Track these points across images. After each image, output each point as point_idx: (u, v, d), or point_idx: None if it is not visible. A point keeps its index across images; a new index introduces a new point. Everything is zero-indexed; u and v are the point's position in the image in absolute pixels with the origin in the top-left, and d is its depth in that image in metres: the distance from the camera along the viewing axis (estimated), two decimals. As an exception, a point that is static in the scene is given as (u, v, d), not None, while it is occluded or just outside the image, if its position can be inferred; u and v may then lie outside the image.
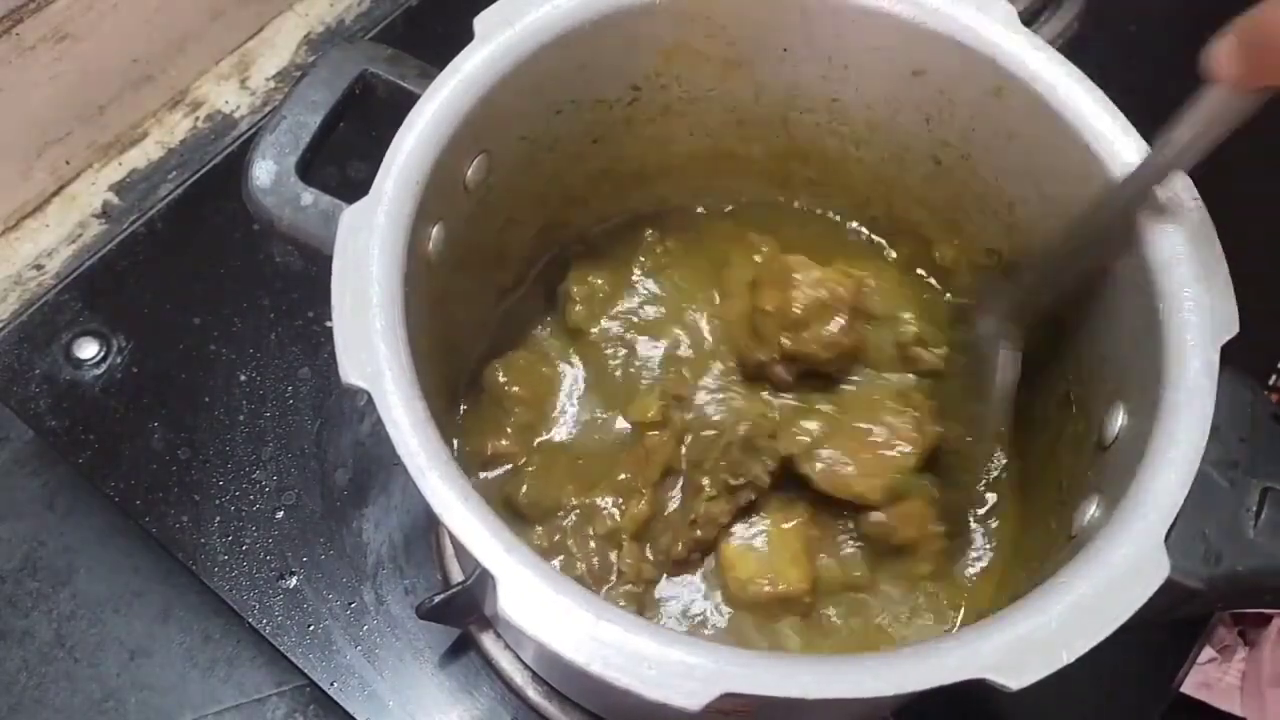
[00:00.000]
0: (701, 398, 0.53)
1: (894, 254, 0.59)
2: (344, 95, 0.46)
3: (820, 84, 0.52)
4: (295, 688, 0.58)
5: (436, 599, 0.48)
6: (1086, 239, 0.45)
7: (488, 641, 0.56)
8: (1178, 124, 0.40)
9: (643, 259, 0.57)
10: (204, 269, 0.66)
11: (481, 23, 0.44)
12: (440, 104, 0.43)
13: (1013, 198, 0.51)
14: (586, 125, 0.51)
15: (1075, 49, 0.58)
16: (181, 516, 0.59)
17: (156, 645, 0.59)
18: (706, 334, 0.55)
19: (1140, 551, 0.36)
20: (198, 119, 0.72)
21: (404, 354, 0.38)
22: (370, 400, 0.37)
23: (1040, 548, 0.47)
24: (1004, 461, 0.54)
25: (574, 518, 0.50)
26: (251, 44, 0.75)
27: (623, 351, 0.55)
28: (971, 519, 0.53)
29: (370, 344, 0.38)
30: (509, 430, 0.52)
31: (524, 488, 0.51)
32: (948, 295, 0.57)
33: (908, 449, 0.50)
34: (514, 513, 0.51)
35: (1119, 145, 0.44)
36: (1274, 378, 0.70)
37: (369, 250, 0.40)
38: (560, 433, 0.53)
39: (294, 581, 0.58)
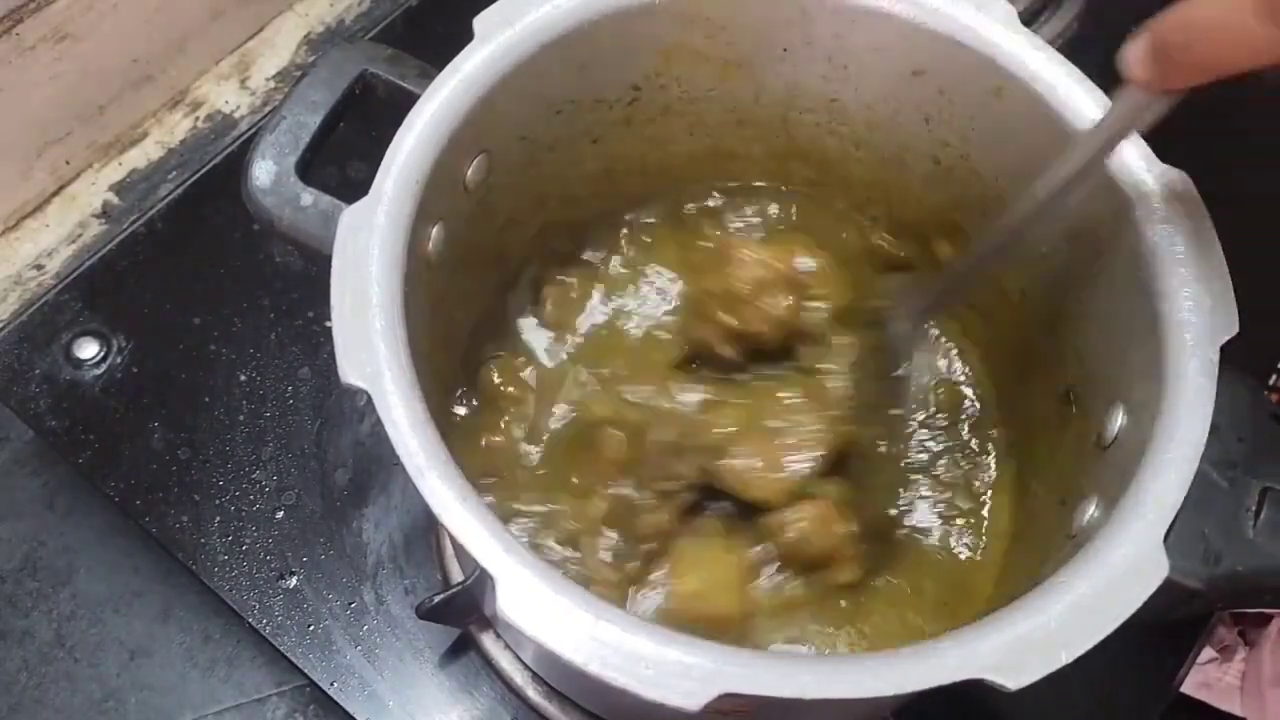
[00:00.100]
0: (645, 393, 0.53)
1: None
2: (344, 95, 0.46)
3: (820, 84, 0.52)
4: (295, 688, 0.58)
5: (436, 599, 0.48)
6: (1017, 234, 0.45)
7: (488, 641, 0.56)
8: (1098, 125, 0.40)
9: (615, 258, 0.57)
10: (204, 269, 0.66)
11: (481, 23, 0.44)
12: (440, 104, 0.43)
13: (1013, 197, 0.51)
14: (586, 125, 0.51)
15: (1075, 49, 0.58)
16: (181, 516, 0.59)
17: (156, 645, 0.59)
18: (661, 329, 0.55)
19: (1140, 551, 0.36)
20: (198, 119, 0.73)
21: (404, 354, 0.38)
22: (370, 400, 0.37)
23: (1040, 548, 0.47)
24: (993, 463, 0.54)
25: (534, 523, 0.50)
26: (251, 44, 0.75)
27: (587, 349, 0.55)
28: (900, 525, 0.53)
29: (370, 344, 0.38)
30: (503, 428, 0.52)
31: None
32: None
33: (815, 450, 0.50)
34: None
35: (1119, 145, 0.44)
36: (1274, 378, 0.70)
37: (369, 250, 0.40)
38: (527, 442, 0.53)
39: (294, 581, 0.58)
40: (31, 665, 0.58)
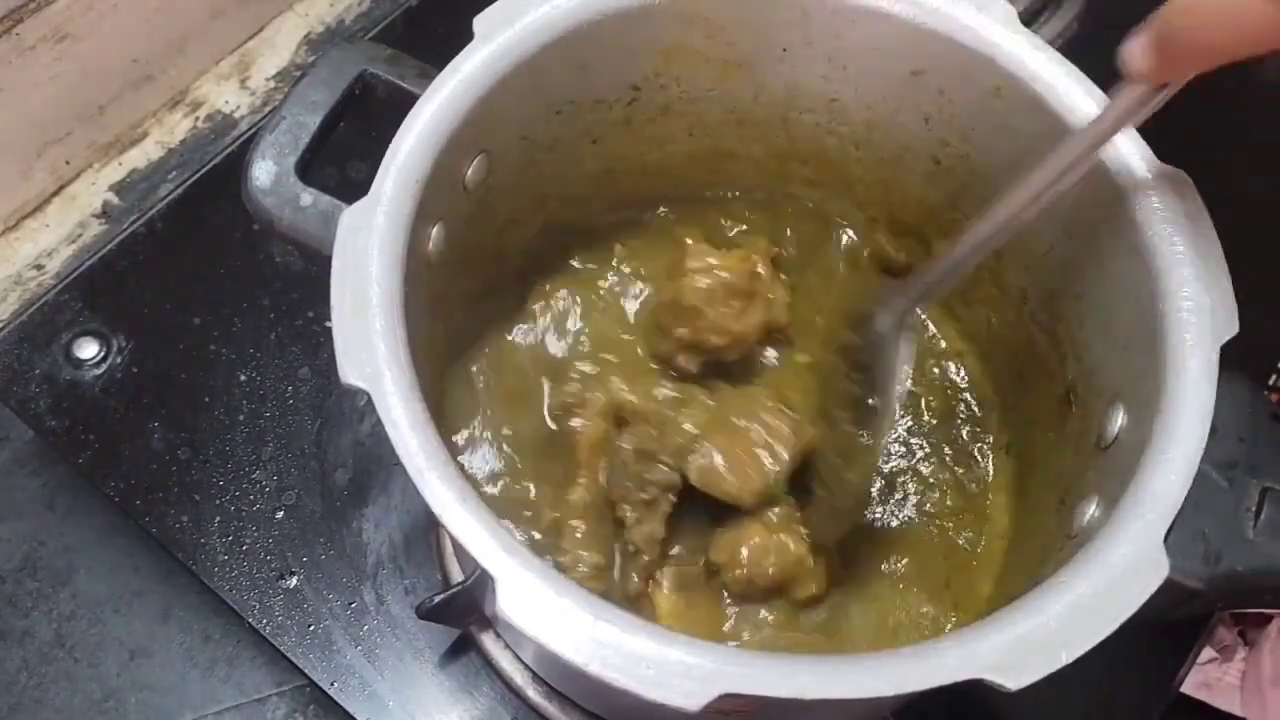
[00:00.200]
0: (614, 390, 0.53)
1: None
2: (344, 95, 0.46)
3: (820, 84, 0.52)
4: (295, 688, 0.58)
5: (436, 599, 0.48)
6: (1007, 226, 0.44)
7: (488, 641, 0.56)
8: (1095, 120, 0.40)
9: (607, 270, 0.57)
10: (204, 269, 0.66)
11: (481, 23, 0.44)
12: (440, 104, 0.43)
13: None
14: (586, 125, 0.51)
15: (1075, 49, 0.58)
16: (181, 516, 0.59)
17: (156, 645, 0.59)
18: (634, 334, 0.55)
19: (1140, 551, 0.36)
20: (198, 119, 0.73)
21: (404, 354, 0.38)
22: (370, 400, 0.37)
23: (1040, 548, 0.47)
24: (991, 463, 0.54)
25: (521, 517, 0.51)
26: (251, 44, 0.75)
27: (575, 358, 0.55)
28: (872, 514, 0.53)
29: (370, 344, 0.38)
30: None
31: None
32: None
33: (782, 451, 0.49)
34: None
35: (1118, 145, 0.44)
36: (1274, 378, 0.70)
37: (369, 250, 0.40)
38: (520, 438, 0.53)
39: (294, 581, 0.58)
40: (31, 665, 0.58)
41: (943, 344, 0.58)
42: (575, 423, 0.51)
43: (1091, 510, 0.42)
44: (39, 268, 0.67)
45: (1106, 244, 0.45)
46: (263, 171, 0.44)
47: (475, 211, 0.48)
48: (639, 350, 0.54)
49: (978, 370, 0.57)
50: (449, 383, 0.53)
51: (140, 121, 0.72)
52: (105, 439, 0.61)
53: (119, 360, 0.63)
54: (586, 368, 0.54)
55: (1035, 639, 0.34)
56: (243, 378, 0.63)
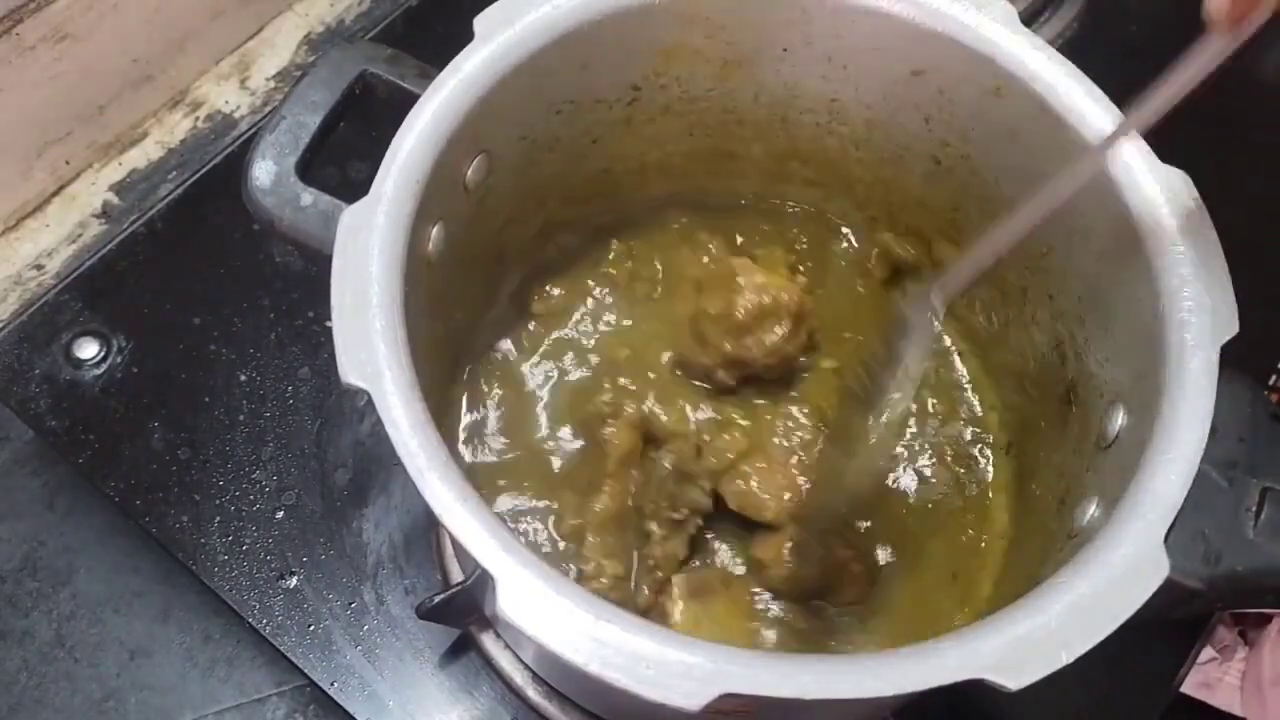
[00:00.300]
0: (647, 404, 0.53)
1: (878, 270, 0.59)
2: (344, 95, 0.46)
3: (820, 84, 0.52)
4: (295, 688, 0.57)
5: (436, 599, 0.48)
6: (1054, 205, 0.44)
7: (488, 641, 0.56)
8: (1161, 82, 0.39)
9: (606, 270, 0.57)
10: (204, 269, 0.66)
11: (481, 23, 0.44)
12: (440, 104, 0.43)
13: (1013, 198, 0.51)
14: (586, 125, 0.51)
15: (1075, 49, 0.58)
16: (181, 516, 0.59)
17: (156, 645, 0.59)
18: (655, 340, 0.55)
19: (1140, 551, 0.36)
20: (198, 119, 0.73)
21: (404, 354, 0.38)
22: (370, 400, 0.37)
23: (1040, 548, 0.47)
24: (991, 464, 0.54)
25: (538, 520, 0.51)
26: (251, 44, 0.75)
27: (577, 360, 0.55)
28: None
29: (370, 344, 0.38)
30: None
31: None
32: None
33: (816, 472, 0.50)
34: None
35: (1118, 145, 0.44)
36: (1274, 378, 0.70)
37: (369, 250, 0.40)
38: (526, 439, 0.53)
39: (294, 581, 0.58)
40: (31, 665, 0.58)
41: (944, 344, 0.58)
42: (606, 432, 0.51)
43: (1092, 510, 0.42)
44: (39, 268, 0.67)
45: (1106, 244, 0.45)
46: (263, 171, 0.44)
47: (475, 211, 0.48)
48: (660, 358, 0.54)
49: (978, 370, 0.57)
50: (454, 383, 0.53)
51: (140, 121, 0.72)
52: (105, 439, 0.61)
53: (119, 360, 0.63)
54: (601, 372, 0.54)
55: (1035, 639, 0.34)
56: (243, 378, 0.63)
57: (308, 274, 0.66)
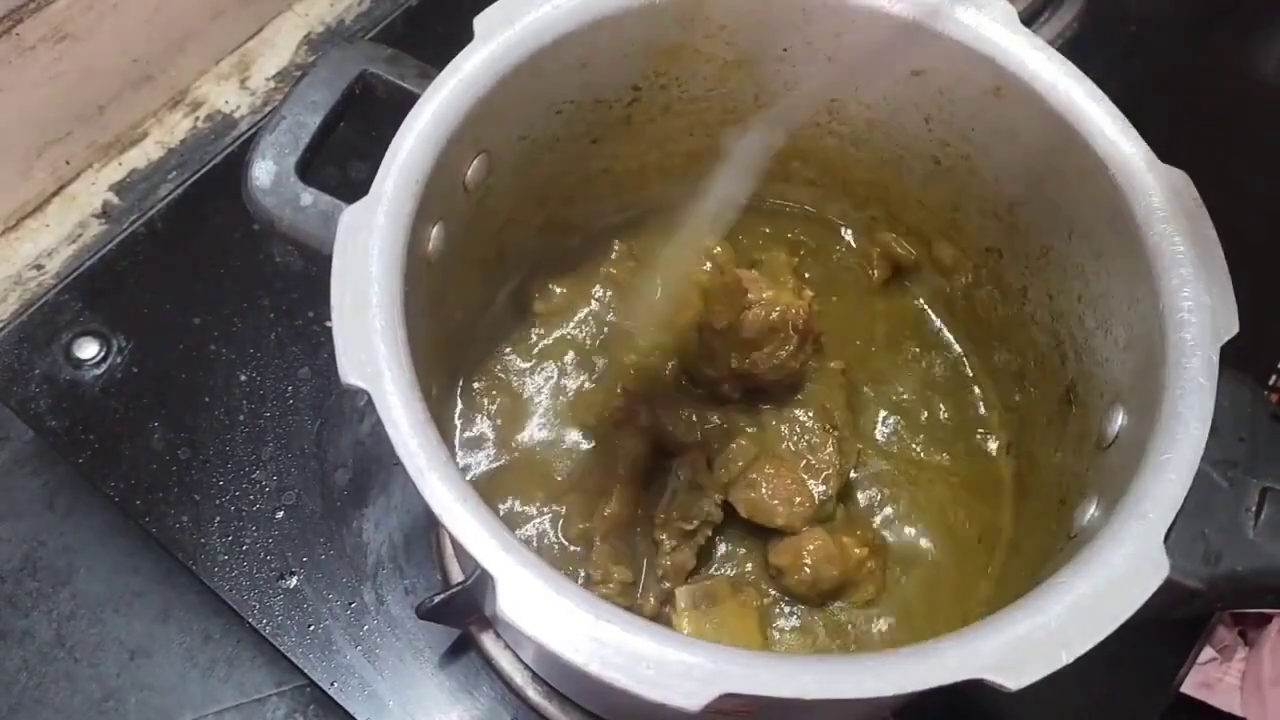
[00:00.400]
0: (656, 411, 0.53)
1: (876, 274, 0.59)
2: (344, 95, 0.46)
3: (820, 84, 0.52)
4: (295, 688, 0.57)
5: (436, 599, 0.48)
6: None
7: (488, 641, 0.56)
8: None
9: (608, 271, 0.57)
10: (204, 269, 0.66)
11: (481, 23, 0.44)
12: (440, 104, 0.43)
13: (1013, 198, 0.51)
14: (586, 125, 0.51)
15: (1075, 49, 0.58)
16: (181, 516, 0.59)
17: (156, 645, 0.59)
18: (660, 345, 0.55)
19: (1140, 551, 0.36)
20: (198, 119, 0.73)
21: (404, 354, 0.38)
22: (370, 400, 0.37)
23: (1040, 548, 0.47)
24: (993, 463, 0.54)
25: (546, 524, 0.51)
26: (251, 44, 0.75)
27: (581, 362, 0.55)
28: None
29: (370, 344, 0.38)
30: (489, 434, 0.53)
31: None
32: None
33: (831, 475, 0.50)
34: None
35: (1119, 145, 0.44)
36: (1274, 378, 0.70)
37: (369, 250, 0.40)
38: (529, 441, 0.53)
39: (294, 581, 0.58)
40: (31, 665, 0.58)
41: (944, 344, 0.58)
42: (617, 437, 0.51)
43: (1091, 510, 0.42)
44: (39, 268, 0.67)
45: (1106, 244, 0.45)
46: (263, 171, 0.44)
47: (475, 211, 0.48)
48: (665, 365, 0.54)
49: (978, 370, 0.57)
50: (454, 384, 0.53)
51: (140, 121, 0.72)
52: (105, 439, 0.61)
53: (119, 360, 0.63)
54: (605, 376, 0.54)
55: (1035, 639, 0.34)
56: (243, 378, 0.63)
57: (308, 274, 0.66)
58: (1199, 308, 0.40)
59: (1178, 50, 0.71)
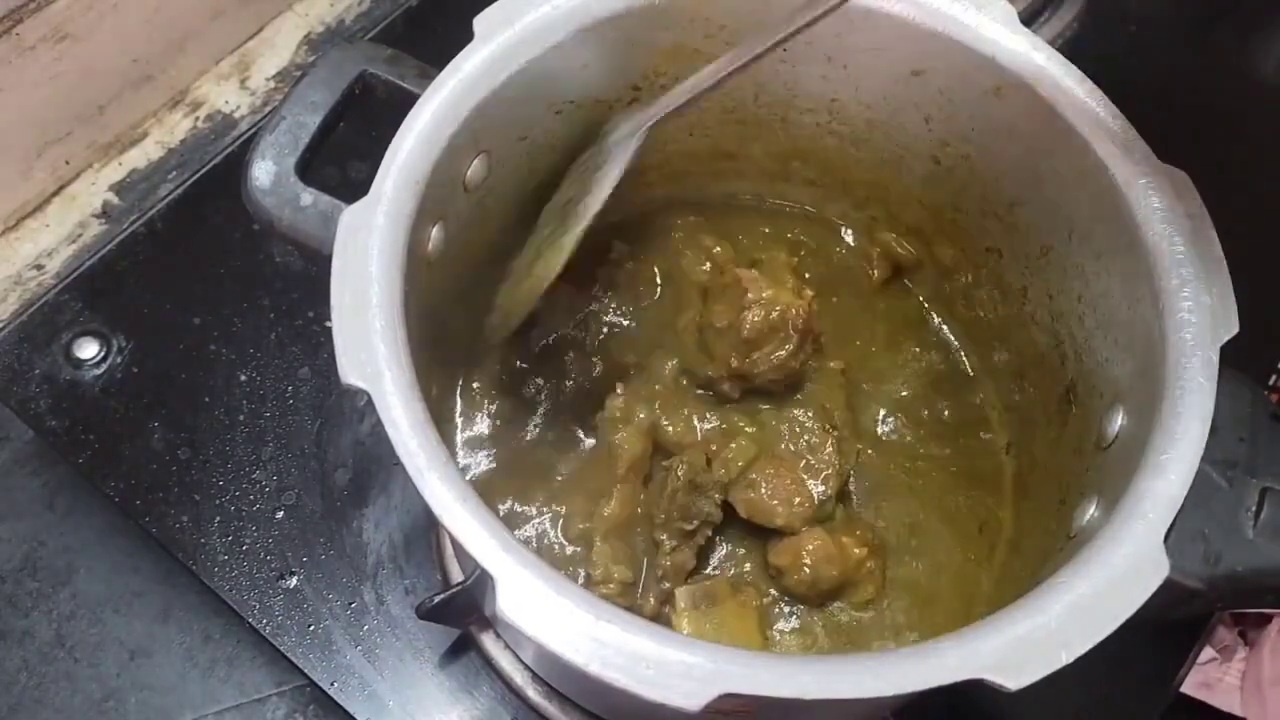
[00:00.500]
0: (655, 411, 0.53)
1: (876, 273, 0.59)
2: (344, 95, 0.46)
3: (820, 84, 0.52)
4: (295, 688, 0.57)
5: (436, 599, 0.48)
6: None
7: (488, 641, 0.56)
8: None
9: (608, 272, 0.57)
10: (204, 269, 0.66)
11: (481, 23, 0.44)
12: (440, 104, 0.43)
13: (1013, 198, 0.51)
14: (586, 125, 0.51)
15: (1075, 49, 0.58)
16: (181, 516, 0.59)
17: (156, 645, 0.59)
18: (659, 346, 0.55)
19: (1140, 551, 0.36)
20: (198, 119, 0.73)
21: (403, 354, 0.38)
22: (370, 400, 0.37)
23: (1040, 548, 0.47)
24: (993, 463, 0.54)
25: (546, 524, 0.51)
26: (251, 44, 0.75)
27: (580, 362, 0.55)
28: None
29: (370, 344, 0.38)
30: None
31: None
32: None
33: (831, 475, 0.50)
34: None
35: (1119, 145, 0.44)
36: (1274, 378, 0.70)
37: (369, 250, 0.40)
38: (529, 441, 0.53)
39: (294, 581, 0.58)
40: (31, 665, 0.58)
41: (944, 343, 0.58)
42: (617, 438, 0.51)
43: (1091, 510, 0.42)
44: (39, 268, 0.67)
45: (1106, 244, 0.45)
46: (263, 171, 0.44)
47: (475, 211, 0.48)
48: (665, 365, 0.54)
49: (978, 369, 0.57)
50: (454, 384, 0.53)
51: (140, 121, 0.72)
52: (105, 439, 0.61)
53: (119, 360, 0.63)
54: (605, 375, 0.54)
55: (1035, 639, 0.34)
56: (243, 378, 0.63)
57: (308, 274, 0.66)
58: (1199, 308, 0.40)
59: (1178, 50, 0.71)
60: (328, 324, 0.38)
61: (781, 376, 0.52)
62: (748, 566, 0.51)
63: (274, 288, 0.65)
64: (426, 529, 0.59)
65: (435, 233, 0.44)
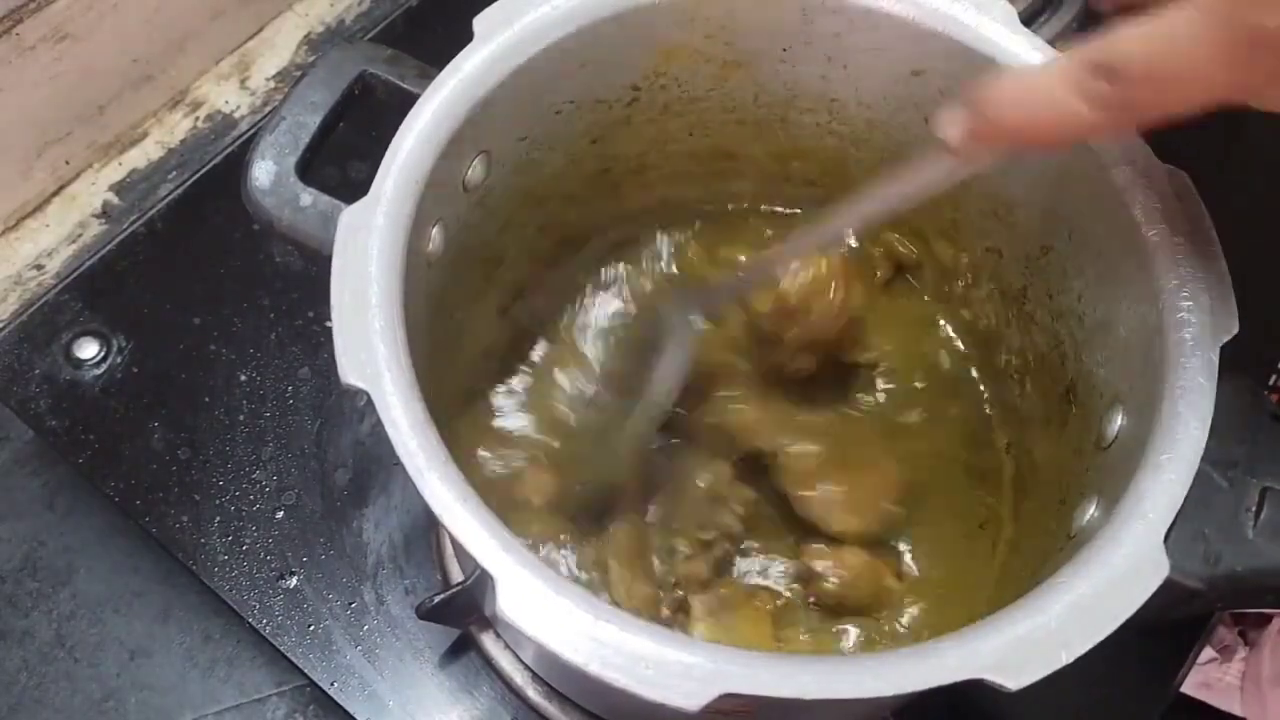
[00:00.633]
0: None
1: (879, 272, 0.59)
2: (343, 95, 0.46)
3: (820, 84, 0.52)
4: (295, 688, 0.57)
5: (436, 599, 0.48)
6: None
7: (488, 641, 0.56)
8: (898, 180, 0.40)
9: (609, 273, 0.57)
10: (204, 269, 0.66)
11: (481, 23, 0.44)
12: (440, 104, 0.43)
13: (1012, 198, 0.51)
14: (586, 125, 0.51)
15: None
16: (181, 516, 0.59)
17: (156, 645, 0.59)
18: (723, 349, 0.54)
19: (1140, 551, 0.36)
20: (198, 119, 0.73)
21: (403, 355, 0.38)
22: (370, 400, 0.37)
23: (1040, 548, 0.47)
24: (993, 463, 0.54)
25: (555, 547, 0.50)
26: (251, 44, 0.75)
27: (586, 370, 0.55)
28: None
29: (370, 344, 0.38)
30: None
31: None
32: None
33: (889, 482, 0.50)
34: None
35: (1119, 145, 0.44)
36: (1274, 378, 0.70)
37: (368, 250, 0.40)
38: (533, 447, 0.53)
39: (294, 581, 0.58)
40: (31, 665, 0.58)
41: (943, 343, 0.58)
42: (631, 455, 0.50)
43: (1091, 510, 0.42)
44: (39, 268, 0.67)
45: (1106, 244, 0.45)
46: (263, 171, 0.44)
47: (475, 212, 0.48)
48: (734, 359, 0.54)
49: (979, 369, 0.57)
50: (456, 388, 0.53)
51: (140, 121, 0.72)
52: (105, 439, 0.61)
53: (119, 360, 0.63)
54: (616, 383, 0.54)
55: (1035, 639, 0.34)
56: (243, 378, 0.63)
57: (308, 274, 0.66)
58: (1199, 308, 0.40)
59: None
60: (328, 324, 0.38)
61: (846, 323, 0.52)
62: (771, 567, 0.51)
63: (274, 288, 0.65)
64: (426, 529, 0.59)
65: (435, 233, 0.44)
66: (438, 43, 0.44)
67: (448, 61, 0.44)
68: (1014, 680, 0.33)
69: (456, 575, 0.57)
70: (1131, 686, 0.58)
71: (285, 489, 0.60)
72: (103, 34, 0.65)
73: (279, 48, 0.75)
